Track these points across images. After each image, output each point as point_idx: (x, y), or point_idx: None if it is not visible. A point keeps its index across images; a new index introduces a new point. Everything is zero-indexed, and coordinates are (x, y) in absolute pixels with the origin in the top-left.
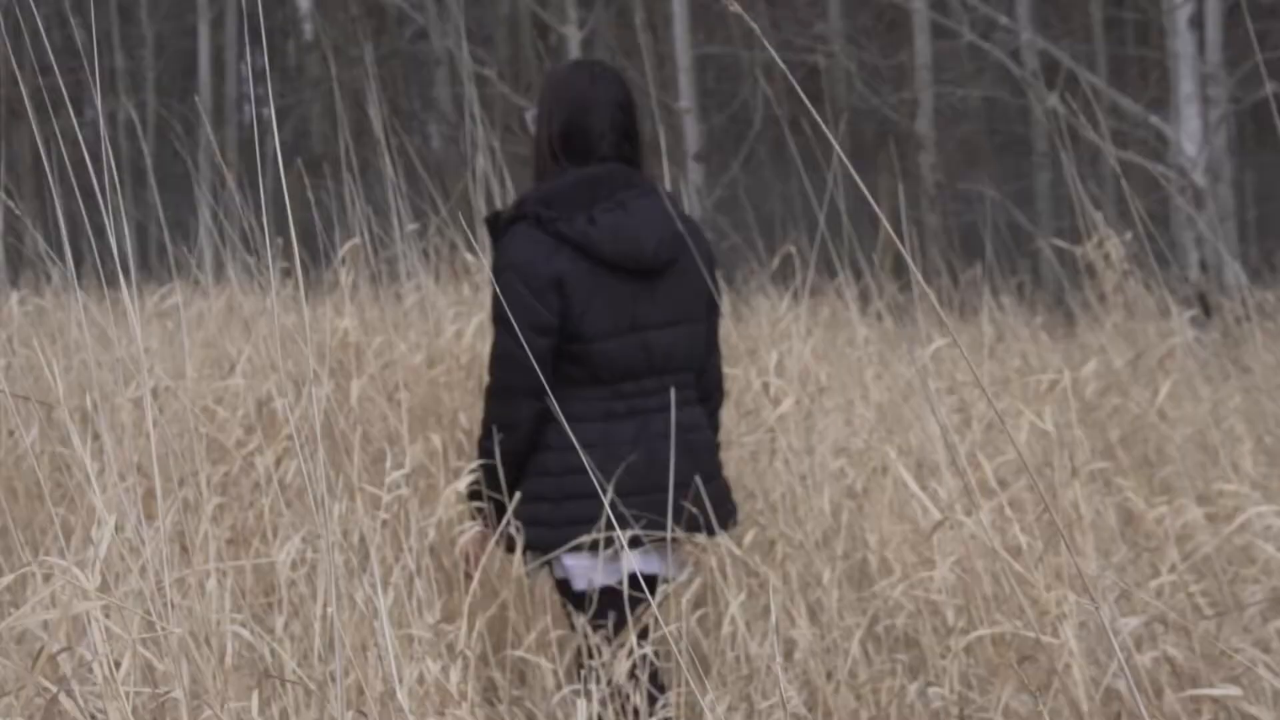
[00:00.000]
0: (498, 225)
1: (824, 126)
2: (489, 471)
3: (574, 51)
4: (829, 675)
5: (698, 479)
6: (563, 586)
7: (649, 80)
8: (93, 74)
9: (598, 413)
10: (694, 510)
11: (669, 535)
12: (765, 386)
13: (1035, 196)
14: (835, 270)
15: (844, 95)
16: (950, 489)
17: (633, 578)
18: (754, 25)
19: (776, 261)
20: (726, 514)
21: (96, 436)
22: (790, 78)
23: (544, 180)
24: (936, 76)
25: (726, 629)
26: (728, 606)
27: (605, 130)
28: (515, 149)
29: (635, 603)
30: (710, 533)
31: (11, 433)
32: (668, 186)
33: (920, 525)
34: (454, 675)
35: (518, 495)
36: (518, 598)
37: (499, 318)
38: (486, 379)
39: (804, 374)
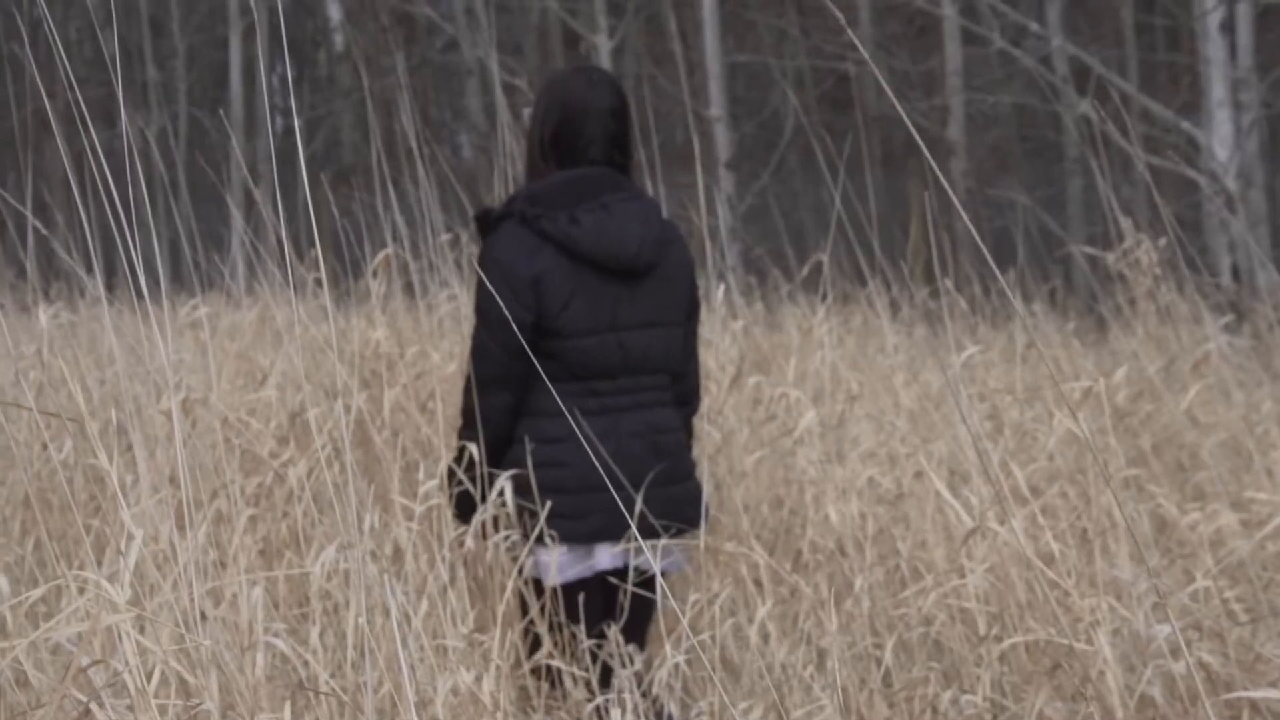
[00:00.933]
0: (487, 221)
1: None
2: (461, 460)
3: (605, 61)
4: (862, 683)
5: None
6: (534, 582)
7: (680, 88)
8: (125, 87)
9: (572, 408)
10: (644, 510)
11: (634, 531)
12: (786, 397)
13: (1066, 203)
14: (865, 278)
15: (874, 102)
16: (983, 496)
17: (604, 573)
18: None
19: (807, 269)
20: (695, 515)
21: (129, 449)
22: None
23: (533, 180)
24: (967, 83)
25: (755, 637)
26: (757, 614)
27: (596, 135)
28: None
29: (612, 596)
30: (680, 532)
31: (45, 446)
32: (698, 194)
33: (953, 533)
34: (487, 684)
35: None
36: (551, 606)
37: (478, 310)
38: (468, 370)
39: (834, 382)
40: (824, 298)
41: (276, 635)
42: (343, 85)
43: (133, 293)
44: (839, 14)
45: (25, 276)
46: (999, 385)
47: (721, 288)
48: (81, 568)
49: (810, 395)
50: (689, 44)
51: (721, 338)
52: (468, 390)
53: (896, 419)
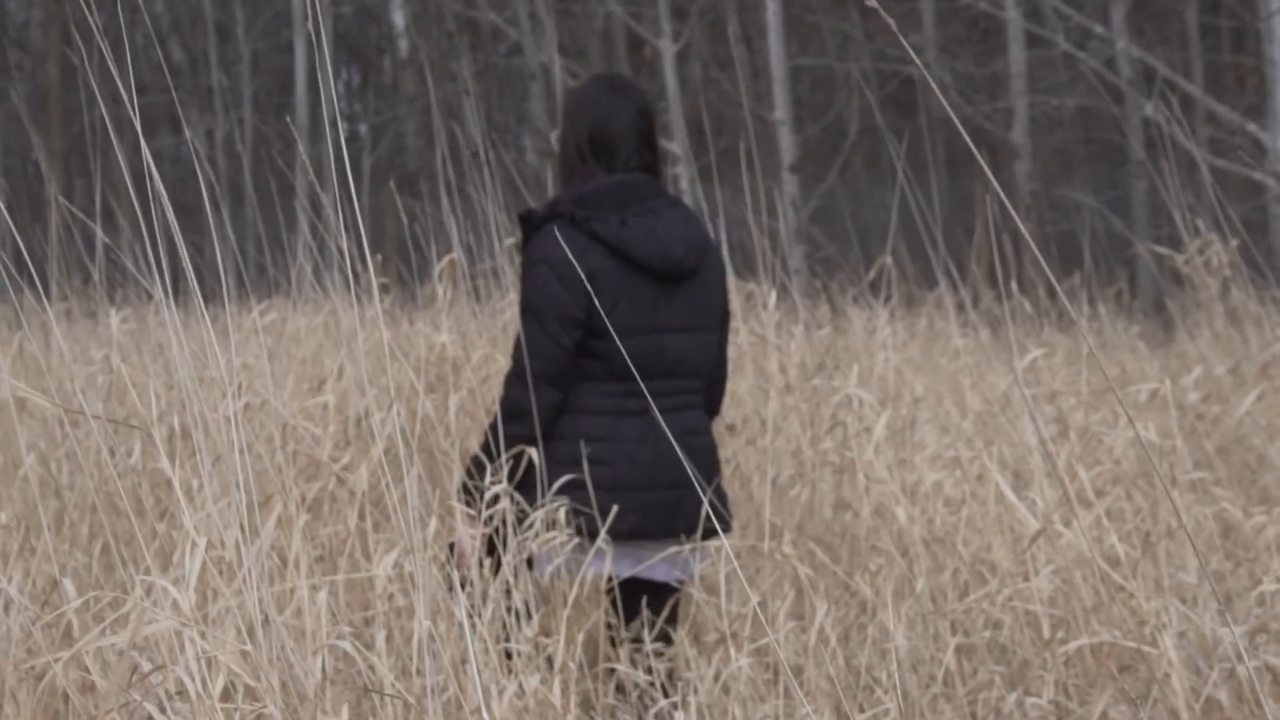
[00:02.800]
0: (531, 223)
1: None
2: (490, 457)
3: (668, 65)
4: (925, 686)
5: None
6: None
7: (743, 92)
8: (190, 93)
9: (609, 408)
10: (681, 513)
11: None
12: (851, 399)
13: (1131, 205)
14: (931, 281)
15: (938, 105)
16: (1048, 499)
17: (631, 580)
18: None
19: (872, 273)
20: (726, 518)
21: (195, 454)
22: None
23: (573, 185)
24: (1031, 86)
25: (817, 640)
26: (819, 617)
27: (628, 135)
28: None
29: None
30: (712, 535)
31: (112, 451)
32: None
33: (1017, 536)
34: (554, 688)
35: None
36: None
37: (528, 308)
38: (510, 365)
39: (899, 384)
40: (888, 300)
41: (341, 639)
42: (407, 91)
43: (198, 298)
44: (895, 19)
45: (92, 283)
46: (1064, 388)
47: (773, 293)
48: (146, 573)
49: (875, 398)
50: (753, 48)
51: (786, 341)
52: (509, 385)
53: (962, 421)
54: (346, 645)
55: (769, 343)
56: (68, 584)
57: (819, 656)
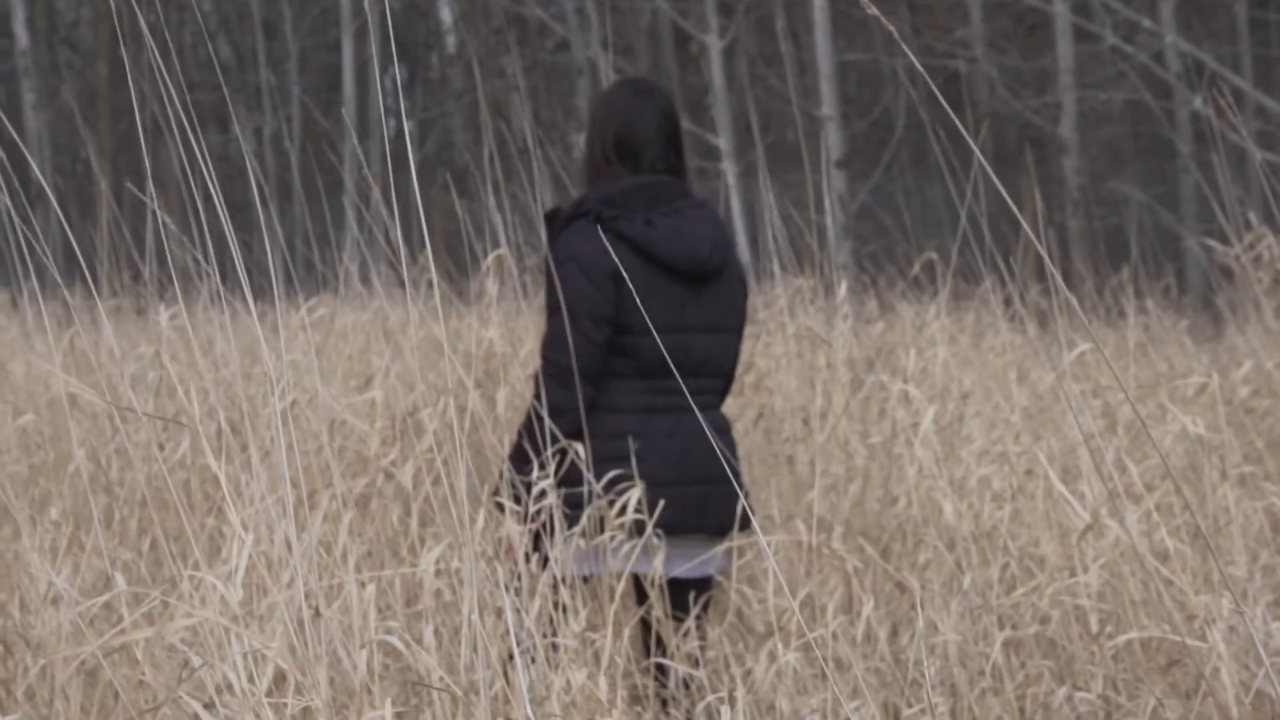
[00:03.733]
0: (557, 221)
1: (965, 132)
2: (526, 457)
3: (715, 60)
4: (971, 681)
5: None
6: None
7: (790, 88)
8: (238, 90)
9: (638, 405)
10: (707, 509)
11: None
12: (905, 394)
13: (1179, 200)
14: (977, 275)
15: (986, 100)
16: (1096, 493)
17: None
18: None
19: (918, 267)
20: (746, 516)
21: (244, 449)
22: (931, 83)
23: (599, 186)
24: (1079, 80)
25: (862, 634)
26: (866, 611)
27: (653, 137)
28: None
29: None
30: (743, 527)
31: (162, 446)
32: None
33: (1065, 530)
34: (602, 683)
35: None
36: (659, 603)
37: (555, 307)
38: (540, 364)
39: (947, 379)
40: (936, 295)
41: (389, 633)
42: (455, 87)
43: (249, 294)
44: (942, 14)
45: (142, 279)
46: (1110, 383)
47: (822, 288)
48: (195, 568)
49: (923, 393)
50: (800, 44)
51: (833, 336)
52: (543, 383)
53: (1009, 416)
54: (394, 640)
55: (819, 337)
56: (119, 578)
57: (866, 650)
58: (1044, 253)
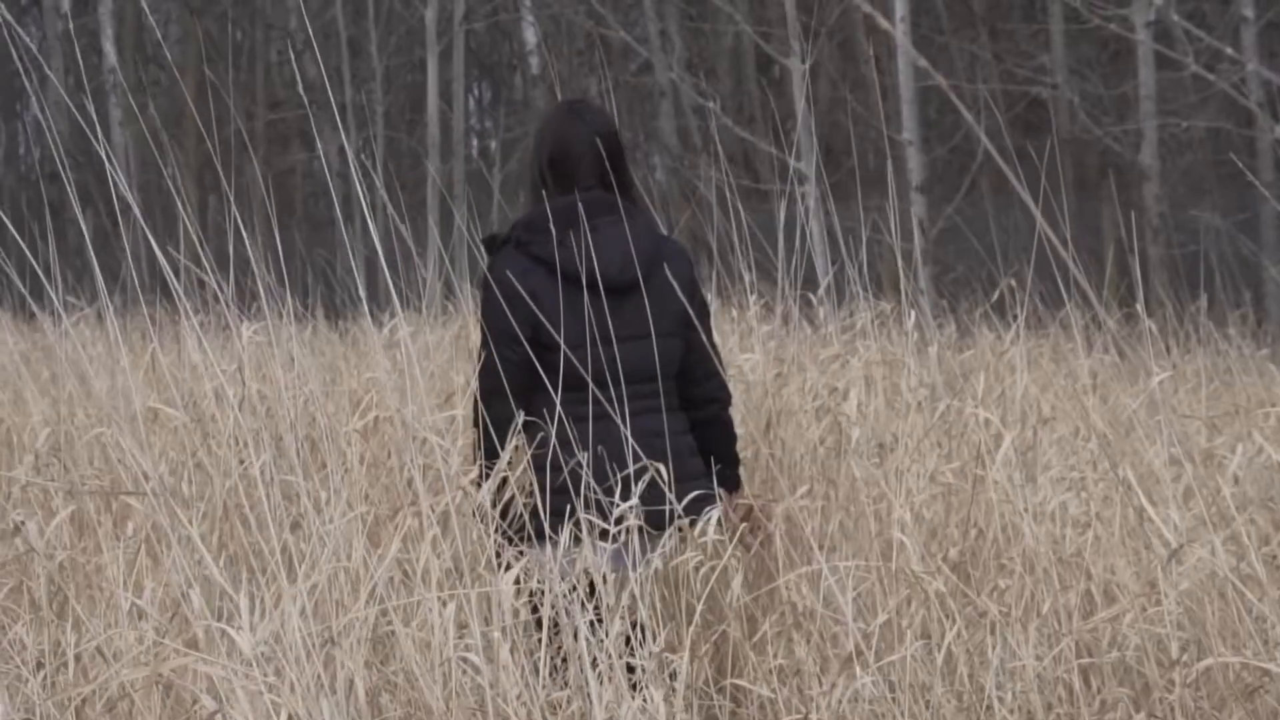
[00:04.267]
0: (494, 246)
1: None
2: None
3: (797, 84)
4: (1049, 707)
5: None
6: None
7: (872, 112)
8: (323, 109)
9: (568, 414)
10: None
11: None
12: (978, 418)
13: (1260, 228)
14: (1057, 301)
15: (1067, 126)
16: (1176, 520)
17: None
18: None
19: (998, 293)
20: (693, 516)
21: (324, 466)
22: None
23: (534, 208)
24: (1160, 107)
25: (941, 659)
26: (946, 636)
27: (587, 162)
28: (740, 179)
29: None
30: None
31: (241, 461)
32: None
33: (1143, 556)
34: (677, 704)
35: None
36: (737, 625)
37: (482, 328)
38: (476, 383)
39: (1026, 404)
40: (1015, 320)
41: (467, 652)
42: (538, 107)
43: (334, 311)
44: (1023, 40)
45: (224, 295)
46: (1190, 411)
47: (912, 313)
48: (273, 582)
49: (1001, 418)
50: (881, 69)
51: (917, 361)
52: (473, 405)
53: (1088, 443)
54: (473, 656)
55: (902, 363)
56: (195, 595)
57: (944, 674)
58: (1135, 279)
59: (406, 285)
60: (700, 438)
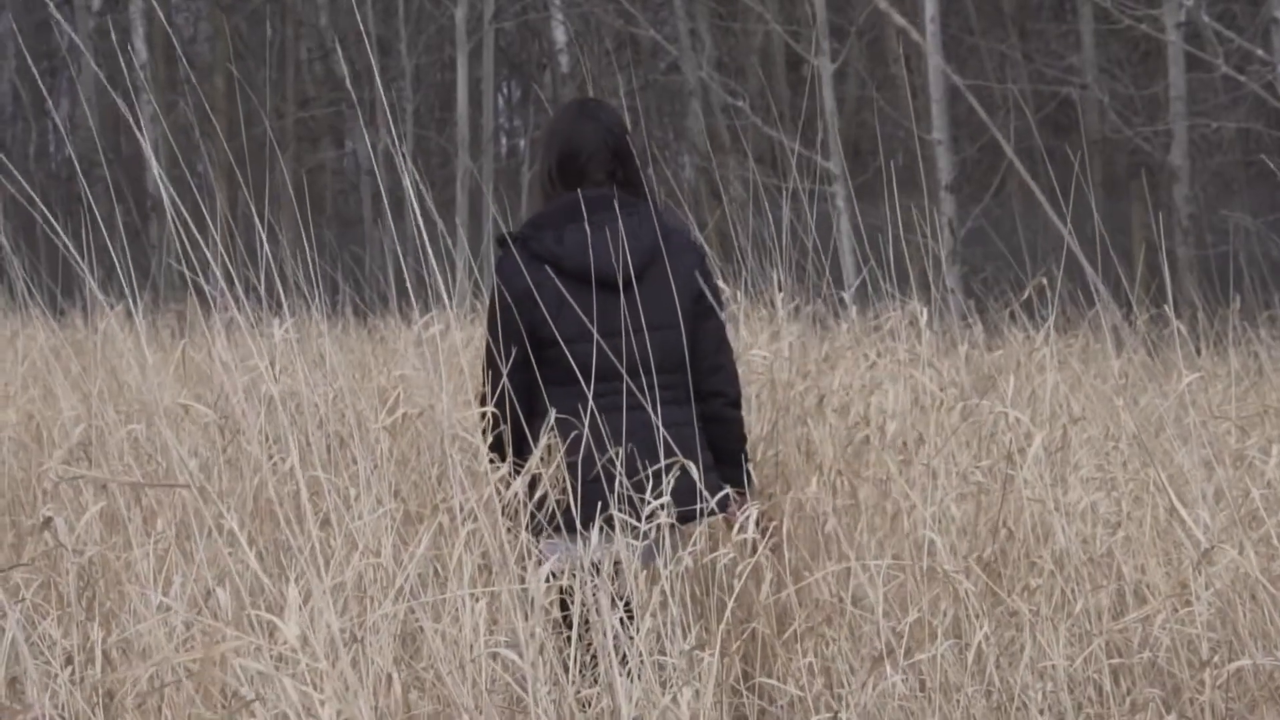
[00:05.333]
0: (504, 244)
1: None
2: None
3: (827, 83)
4: (1080, 707)
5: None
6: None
7: (901, 111)
8: (353, 106)
9: (569, 409)
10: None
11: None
12: (1007, 418)
13: None
14: (1087, 301)
15: (1097, 127)
16: (1207, 521)
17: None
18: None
19: (1027, 293)
20: (697, 507)
21: (354, 463)
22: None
23: (545, 204)
24: (1191, 108)
25: (972, 658)
26: (976, 636)
27: (594, 159)
28: (768, 178)
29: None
30: (690, 518)
31: (271, 457)
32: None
33: (1174, 557)
34: (706, 701)
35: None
36: (767, 623)
37: (486, 325)
38: (482, 378)
39: (1056, 405)
40: (1044, 320)
41: (498, 647)
42: None
43: (364, 308)
44: (1053, 40)
45: (254, 292)
46: (1220, 412)
47: (935, 313)
48: (302, 578)
49: (1031, 418)
50: (911, 68)
51: (945, 360)
52: (478, 401)
53: (1118, 443)
54: (505, 650)
55: (927, 361)
56: (221, 593)
57: (975, 673)
58: (1165, 280)
59: (447, 281)
60: (705, 432)
